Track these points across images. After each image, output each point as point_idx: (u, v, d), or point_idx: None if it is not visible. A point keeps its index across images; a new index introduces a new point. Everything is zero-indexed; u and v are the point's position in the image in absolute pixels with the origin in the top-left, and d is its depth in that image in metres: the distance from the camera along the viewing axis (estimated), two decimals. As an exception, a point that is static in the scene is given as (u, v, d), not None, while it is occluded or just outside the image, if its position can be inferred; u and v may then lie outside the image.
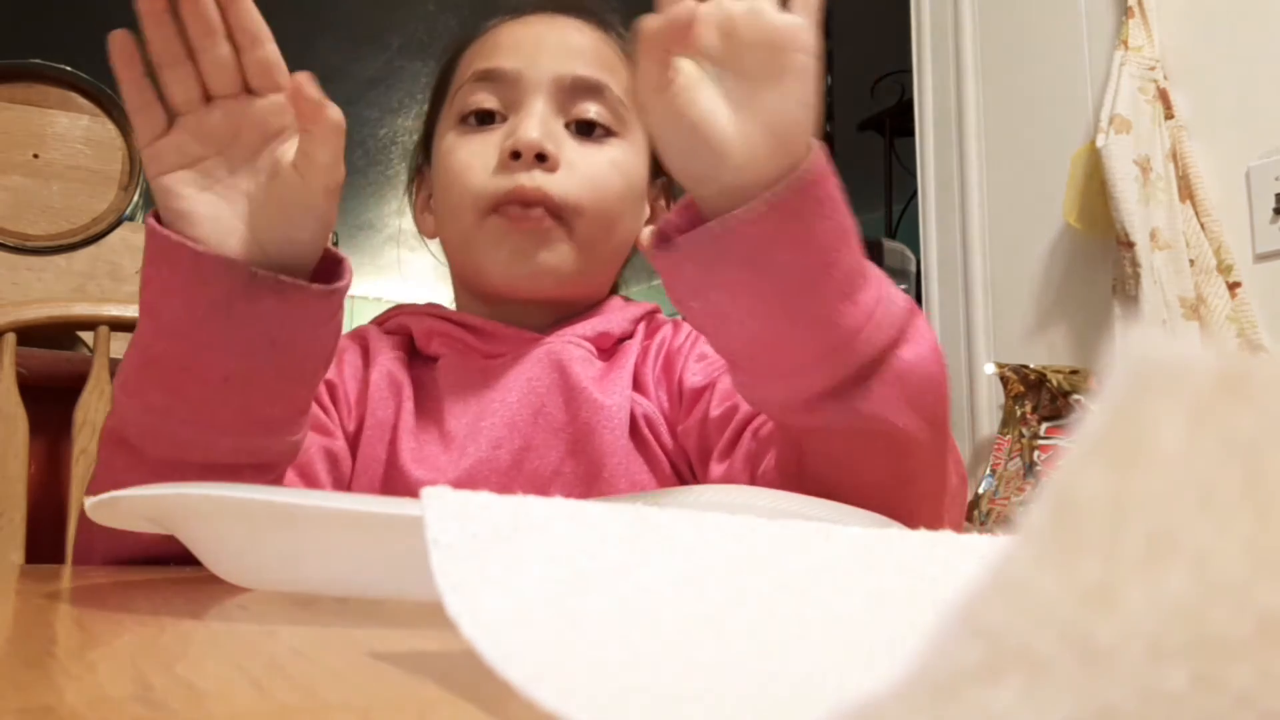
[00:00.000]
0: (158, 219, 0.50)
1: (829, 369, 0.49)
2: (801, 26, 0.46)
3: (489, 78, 0.69)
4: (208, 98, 0.50)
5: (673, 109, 0.46)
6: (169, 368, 0.50)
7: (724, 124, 0.46)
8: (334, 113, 0.48)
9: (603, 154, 0.69)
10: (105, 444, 0.55)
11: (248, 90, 0.50)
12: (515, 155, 0.66)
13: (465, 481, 0.63)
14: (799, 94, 0.46)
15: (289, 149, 0.50)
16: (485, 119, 0.69)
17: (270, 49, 0.50)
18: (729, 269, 0.47)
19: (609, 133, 0.70)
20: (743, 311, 0.48)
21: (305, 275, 0.51)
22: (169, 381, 0.50)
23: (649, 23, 0.45)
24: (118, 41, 0.48)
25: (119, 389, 0.52)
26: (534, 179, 0.66)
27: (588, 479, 0.65)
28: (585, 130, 0.69)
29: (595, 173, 0.68)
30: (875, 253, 1.98)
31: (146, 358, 0.50)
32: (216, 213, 0.50)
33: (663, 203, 0.78)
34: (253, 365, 0.49)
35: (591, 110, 0.69)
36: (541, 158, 0.66)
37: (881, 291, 0.51)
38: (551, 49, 0.69)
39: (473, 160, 0.68)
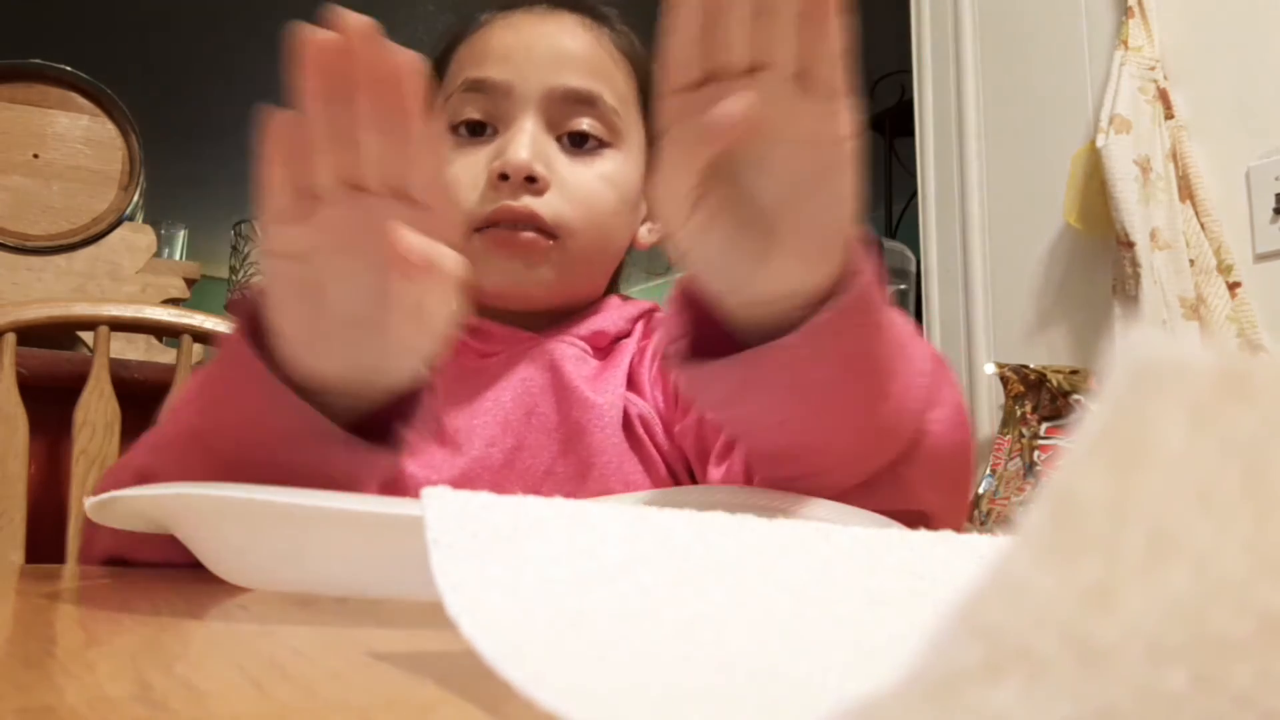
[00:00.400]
0: (240, 309, 0.46)
1: (860, 467, 0.48)
2: (842, 108, 0.39)
3: (478, 89, 0.67)
4: (342, 185, 0.43)
5: (700, 233, 0.41)
6: (219, 460, 0.47)
7: (758, 243, 0.41)
8: (445, 261, 0.43)
9: (595, 169, 0.68)
10: (126, 479, 0.53)
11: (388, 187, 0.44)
12: (504, 177, 0.64)
13: (460, 479, 0.63)
14: (842, 192, 0.41)
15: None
16: (476, 129, 0.68)
17: (432, 162, 0.43)
18: (759, 390, 0.44)
19: (602, 144, 0.68)
20: (774, 423, 0.46)
21: (383, 398, 0.48)
22: (216, 470, 0.48)
23: (678, 126, 0.39)
24: (278, 122, 0.41)
25: (167, 440, 0.50)
26: (522, 202, 0.65)
27: (578, 478, 0.65)
28: (578, 141, 0.68)
29: (587, 190, 0.67)
30: (875, 253, 1.98)
31: (198, 436, 0.48)
32: (310, 314, 0.44)
33: None
34: (307, 480, 0.47)
35: (584, 123, 0.67)
36: (531, 179, 0.64)
37: (913, 361, 0.48)
38: (542, 58, 0.67)
39: (461, 176, 0.66)
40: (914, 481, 0.49)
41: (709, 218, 0.42)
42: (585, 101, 0.67)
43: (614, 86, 0.69)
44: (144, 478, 0.52)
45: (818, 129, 0.40)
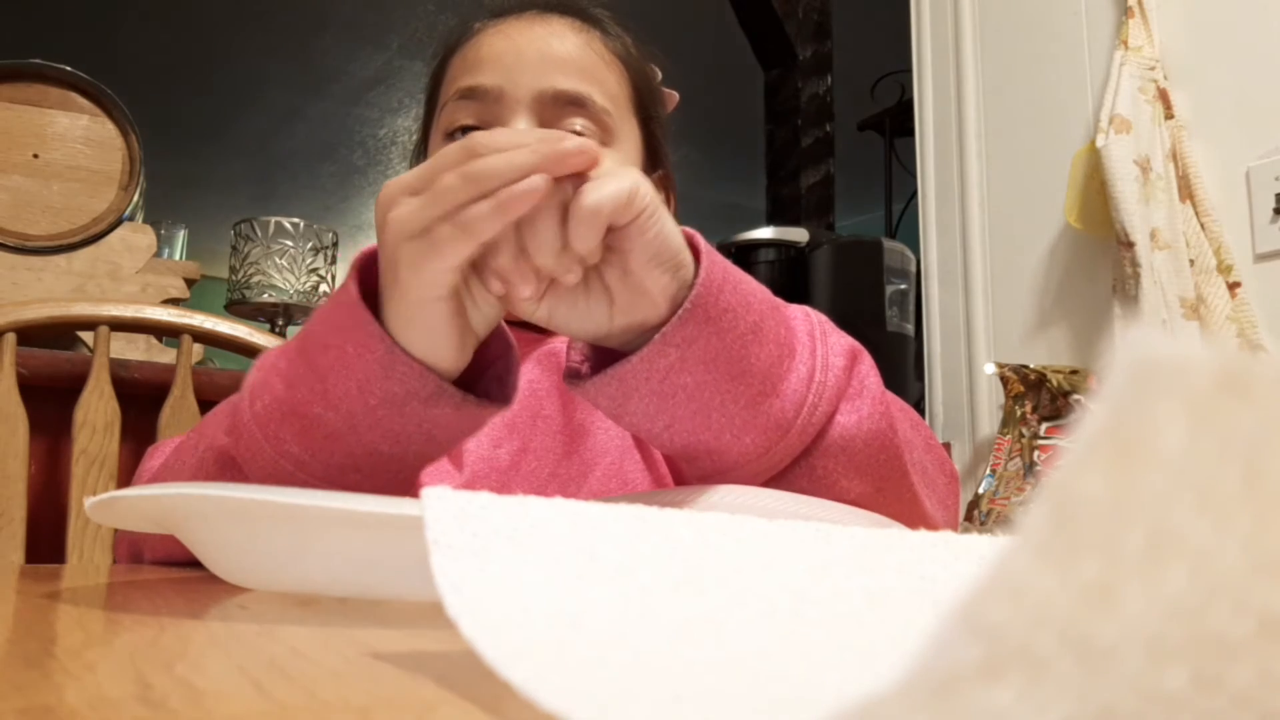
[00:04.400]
0: (358, 279, 0.48)
1: (767, 461, 0.50)
2: (624, 176, 0.43)
3: (471, 95, 0.67)
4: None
5: (546, 308, 0.47)
6: (318, 430, 0.49)
7: (600, 297, 0.46)
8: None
9: None
10: (209, 458, 0.54)
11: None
12: None
13: (466, 481, 0.64)
14: (658, 233, 0.45)
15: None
16: None
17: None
18: (639, 400, 0.47)
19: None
20: (662, 428, 0.49)
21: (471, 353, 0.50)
22: (312, 441, 0.49)
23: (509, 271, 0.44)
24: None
25: (253, 418, 0.50)
26: None
27: (579, 478, 0.65)
28: None
29: None
30: (875, 253, 1.98)
31: (295, 409, 0.49)
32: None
33: (662, 195, 0.77)
34: (404, 450, 0.49)
35: (577, 124, 0.67)
36: None
37: (813, 365, 0.50)
38: (531, 62, 0.67)
39: None
40: (829, 472, 0.51)
41: (548, 296, 0.47)
42: (575, 103, 0.67)
43: (605, 88, 0.69)
44: (229, 459, 0.52)
45: (619, 229, 0.44)
